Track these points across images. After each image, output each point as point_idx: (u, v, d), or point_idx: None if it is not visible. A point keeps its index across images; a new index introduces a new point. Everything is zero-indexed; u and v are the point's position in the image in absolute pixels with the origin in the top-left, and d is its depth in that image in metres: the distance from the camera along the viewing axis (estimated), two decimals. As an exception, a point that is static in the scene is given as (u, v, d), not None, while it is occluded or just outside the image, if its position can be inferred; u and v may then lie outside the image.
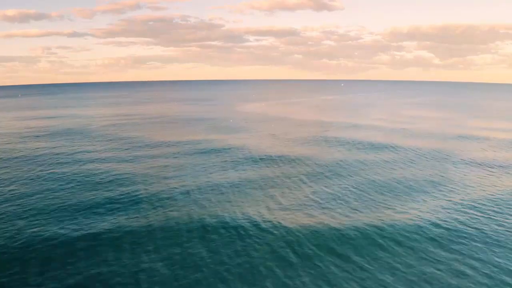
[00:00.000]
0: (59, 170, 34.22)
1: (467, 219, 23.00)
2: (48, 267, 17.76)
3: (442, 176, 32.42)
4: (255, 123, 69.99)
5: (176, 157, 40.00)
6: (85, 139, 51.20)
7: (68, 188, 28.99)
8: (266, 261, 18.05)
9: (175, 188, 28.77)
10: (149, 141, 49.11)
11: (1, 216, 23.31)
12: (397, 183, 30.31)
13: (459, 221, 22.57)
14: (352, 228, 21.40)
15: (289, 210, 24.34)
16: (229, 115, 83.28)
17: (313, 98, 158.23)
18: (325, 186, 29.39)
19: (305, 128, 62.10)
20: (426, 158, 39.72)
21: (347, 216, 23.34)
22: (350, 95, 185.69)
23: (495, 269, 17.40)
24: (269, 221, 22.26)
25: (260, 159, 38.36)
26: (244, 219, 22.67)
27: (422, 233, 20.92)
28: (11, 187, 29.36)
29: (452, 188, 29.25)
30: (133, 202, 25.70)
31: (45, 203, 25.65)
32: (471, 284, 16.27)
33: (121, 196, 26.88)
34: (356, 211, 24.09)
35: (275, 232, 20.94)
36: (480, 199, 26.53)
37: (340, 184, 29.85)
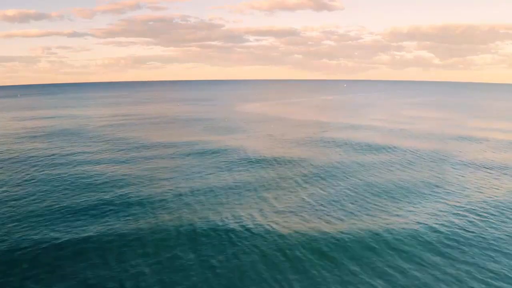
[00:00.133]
0: (52, 172, 33.80)
1: (464, 223, 22.51)
2: (34, 271, 17.38)
3: (440, 178, 31.94)
4: (253, 123, 69.56)
5: (171, 158, 39.57)
6: (81, 140, 50.80)
7: (59, 190, 28.54)
8: (256, 267, 17.61)
9: (168, 190, 28.31)
10: (146, 142, 48.70)
11: (-10, 219, 22.91)
12: (394, 185, 29.84)
13: (456, 225, 22.08)
14: (346, 232, 20.92)
15: (282, 213, 23.86)
16: (227, 115, 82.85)
17: (313, 98, 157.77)
18: (320, 189, 28.94)
19: (303, 129, 61.66)
20: (425, 159, 39.26)
21: (341, 220, 22.86)
22: (350, 95, 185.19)
23: (493, 275, 16.97)
24: (261, 225, 21.80)
25: (256, 160, 37.91)
26: (235, 223, 22.21)
27: (418, 238, 20.44)
28: (3, 189, 28.96)
29: (449, 190, 28.77)
30: (125, 205, 25.22)
31: (35, 205, 25.20)
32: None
33: (113, 199, 26.40)
34: (351, 215, 23.59)
35: (266, 236, 20.48)
36: (478, 202, 26.03)
37: (335, 187, 29.41)
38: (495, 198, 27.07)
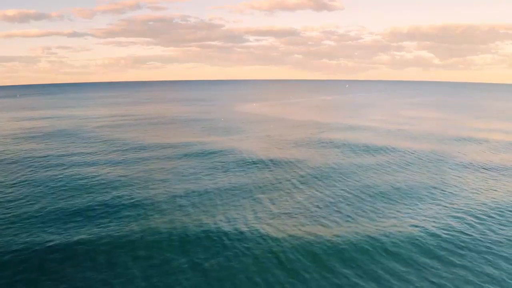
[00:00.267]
0: (46, 173, 33.40)
1: (462, 226, 22.08)
2: (24, 274, 17.08)
3: (439, 180, 31.49)
4: (252, 124, 69.20)
5: (168, 159, 39.16)
6: (78, 141, 50.41)
7: (52, 192, 28.15)
8: (248, 271, 17.25)
9: (162, 192, 27.92)
10: (143, 143, 48.31)
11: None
12: (392, 187, 29.40)
13: (454, 229, 21.66)
14: (341, 236, 20.50)
15: (277, 216, 23.44)
16: (225, 116, 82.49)
17: (312, 98, 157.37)
18: (316, 191, 28.52)
19: (302, 129, 61.29)
20: (423, 161, 38.85)
21: (336, 223, 22.45)
22: (350, 95, 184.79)
23: (491, 280, 16.60)
24: (255, 229, 21.40)
25: (253, 162, 37.49)
26: (229, 226, 21.80)
27: (414, 241, 20.02)
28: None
29: (448, 193, 28.34)
30: (118, 208, 24.82)
31: (27, 208, 24.80)
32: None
33: (106, 201, 25.99)
34: (347, 218, 23.16)
35: (260, 240, 20.08)
36: (477, 204, 25.61)
37: (332, 188, 28.99)
38: (494, 200, 26.67)
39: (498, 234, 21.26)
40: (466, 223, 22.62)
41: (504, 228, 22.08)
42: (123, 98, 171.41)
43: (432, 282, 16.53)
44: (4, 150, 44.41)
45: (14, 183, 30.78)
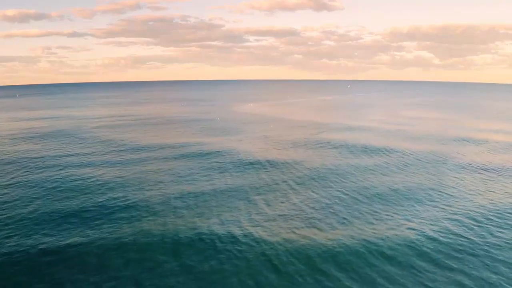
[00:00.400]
0: (41, 175, 33.03)
1: (461, 230, 21.65)
2: (10, 280, 16.77)
3: (437, 182, 31.13)
4: (251, 124, 68.91)
5: (164, 160, 38.80)
6: (75, 142, 50.11)
7: (46, 194, 27.75)
8: (240, 275, 16.90)
9: (156, 195, 27.53)
10: (140, 144, 47.97)
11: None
12: (389, 189, 28.99)
13: (452, 232, 21.24)
14: (337, 240, 20.13)
15: (272, 219, 23.05)
16: (225, 116, 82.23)
17: (312, 99, 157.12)
18: (313, 193, 28.13)
19: (301, 130, 60.99)
20: (422, 162, 38.49)
21: (332, 226, 22.08)
22: (350, 95, 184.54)
23: (490, 285, 16.30)
24: (249, 232, 21.02)
25: (250, 163, 37.14)
26: (222, 229, 21.41)
27: (412, 245, 19.62)
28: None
29: (446, 194, 27.96)
30: (110, 210, 24.45)
31: (18, 211, 24.37)
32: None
33: (99, 203, 25.62)
34: (343, 222, 22.76)
35: (253, 244, 19.71)
36: (476, 207, 25.21)
37: (328, 191, 28.60)
38: (493, 202, 26.32)
39: (496, 237, 20.92)
40: (464, 225, 22.28)
41: (503, 231, 21.72)
42: (122, 98, 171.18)
43: (428, 287, 16.22)
44: (1, 151, 44.13)
45: (9, 184, 30.50)
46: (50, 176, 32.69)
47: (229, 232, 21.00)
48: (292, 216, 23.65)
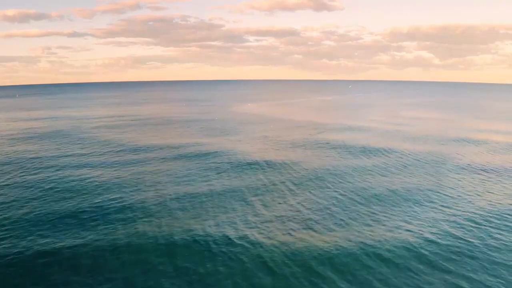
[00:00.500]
0: (37, 176, 32.73)
1: (460, 232, 21.33)
2: (4, 282, 16.56)
3: (436, 184, 30.79)
4: (250, 124, 68.67)
5: (161, 161, 38.51)
6: (72, 142, 49.83)
7: (41, 195, 27.48)
8: (236, 278, 16.64)
9: (152, 196, 27.24)
10: (138, 145, 47.69)
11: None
12: (388, 190, 28.68)
13: (451, 235, 20.93)
14: (334, 243, 19.83)
15: (269, 221, 22.74)
16: (224, 116, 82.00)
17: (312, 99, 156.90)
18: (311, 194, 27.86)
19: (300, 130, 60.75)
20: (421, 163, 38.20)
21: (329, 229, 21.77)
22: (349, 96, 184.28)
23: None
24: (245, 235, 20.73)
25: (247, 164, 36.83)
26: (218, 232, 21.10)
27: (410, 249, 19.29)
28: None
29: (445, 197, 27.65)
30: (105, 212, 24.17)
31: (13, 212, 24.12)
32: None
33: (93, 205, 25.29)
34: (340, 224, 22.45)
35: (249, 247, 19.41)
36: (476, 209, 24.90)
37: (326, 192, 28.31)
38: (492, 203, 26.03)
39: (495, 239, 20.63)
40: (462, 227, 22.00)
41: (502, 233, 21.42)
42: (122, 98, 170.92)
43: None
44: (-4, 152, 43.86)
45: (6, 185, 30.25)
46: (47, 176, 32.44)
47: (224, 234, 20.73)
48: (289, 217, 23.36)
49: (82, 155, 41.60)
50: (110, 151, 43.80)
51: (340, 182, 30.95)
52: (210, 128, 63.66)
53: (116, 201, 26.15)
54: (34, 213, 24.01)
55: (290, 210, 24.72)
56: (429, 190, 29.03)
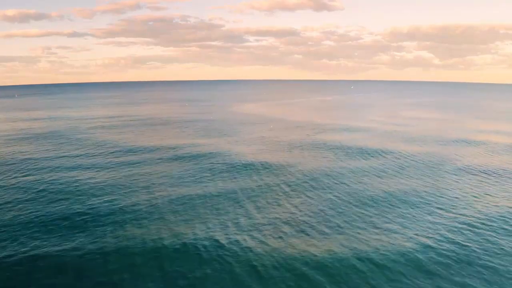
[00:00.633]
0: (27, 178, 32.13)
1: (458, 238, 20.72)
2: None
3: (434, 186, 30.15)
4: (248, 125, 68.21)
5: (155, 163, 37.84)
6: (67, 143, 49.30)
7: (28, 199, 26.87)
8: (225, 286, 16.17)
9: (143, 200, 26.65)
10: (133, 146, 47.16)
11: None
12: (384, 193, 28.09)
13: (449, 241, 20.32)
14: (328, 249, 19.26)
15: (262, 226, 22.14)
16: (223, 117, 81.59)
17: (312, 99, 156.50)
18: (305, 198, 27.29)
19: (298, 131, 60.30)
20: (419, 164, 37.62)
21: (323, 234, 21.18)
22: (349, 96, 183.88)
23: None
24: (236, 241, 20.17)
25: (243, 166, 36.25)
26: (209, 238, 20.54)
27: (406, 254, 18.73)
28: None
29: (443, 199, 27.05)
30: (94, 216, 23.57)
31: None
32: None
33: (81, 210, 24.65)
34: (335, 229, 21.84)
35: (240, 253, 18.85)
36: (475, 213, 24.28)
37: (321, 195, 27.73)
38: (492, 206, 25.44)
39: (494, 244, 20.02)
40: (460, 232, 21.41)
41: (501, 237, 20.82)
42: (122, 98, 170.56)
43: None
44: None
45: (-4, 187, 29.74)
46: (39, 178, 31.90)
47: (215, 239, 20.20)
48: (282, 222, 22.80)
49: (76, 156, 41.12)
50: (104, 152, 43.31)
51: (336, 184, 30.44)
52: (209, 128, 63.24)
53: (106, 204, 25.63)
54: (23, 216, 23.50)
55: (284, 214, 24.16)
56: (427, 192, 28.51)
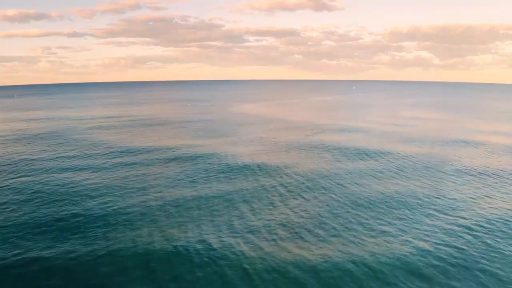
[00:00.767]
0: (20, 180, 31.82)
1: (457, 242, 20.34)
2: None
3: (432, 188, 29.77)
4: (247, 125, 67.92)
5: (151, 164, 37.50)
6: (64, 144, 48.98)
7: (20, 201, 26.50)
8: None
9: (138, 202, 26.29)
10: (130, 146, 46.78)
11: None
12: (382, 195, 27.72)
13: (448, 245, 19.96)
14: (323, 253, 18.89)
15: (256, 230, 21.75)
16: (223, 117, 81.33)
17: (312, 99, 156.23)
18: (301, 200, 26.92)
19: (297, 131, 59.99)
20: (417, 166, 37.21)
21: (319, 238, 20.80)
22: (349, 96, 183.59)
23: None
24: (230, 245, 19.79)
25: (239, 167, 35.84)
26: (201, 242, 20.13)
27: (403, 259, 18.35)
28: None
29: (442, 201, 26.67)
30: (85, 219, 23.18)
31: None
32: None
33: (73, 213, 24.23)
34: (330, 232, 21.46)
35: (233, 258, 18.47)
36: (474, 216, 23.87)
37: (318, 198, 27.35)
38: (491, 209, 25.11)
39: (493, 248, 19.65)
40: (459, 236, 21.03)
41: (501, 241, 20.44)
42: (122, 98, 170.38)
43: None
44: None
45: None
46: (32, 180, 31.49)
47: (208, 243, 19.85)
48: (276, 224, 22.45)
49: (73, 157, 40.79)
50: (100, 153, 42.95)
51: (332, 185, 30.10)
52: (207, 129, 62.97)
53: (101, 206, 25.31)
54: (16, 218, 23.19)
55: (279, 215, 23.84)
56: (424, 194, 28.13)
